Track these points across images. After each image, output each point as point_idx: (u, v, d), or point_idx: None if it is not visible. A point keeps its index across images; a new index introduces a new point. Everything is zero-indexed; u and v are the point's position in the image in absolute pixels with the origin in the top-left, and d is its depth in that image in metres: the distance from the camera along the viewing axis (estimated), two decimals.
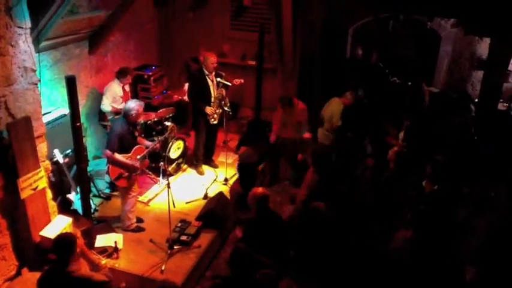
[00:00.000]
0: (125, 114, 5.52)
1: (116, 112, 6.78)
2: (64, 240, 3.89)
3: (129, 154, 5.53)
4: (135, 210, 5.90)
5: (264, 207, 4.88)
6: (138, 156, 5.58)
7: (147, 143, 5.96)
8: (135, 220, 5.88)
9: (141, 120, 6.67)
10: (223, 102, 6.85)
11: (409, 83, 8.53)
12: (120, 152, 5.44)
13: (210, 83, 6.85)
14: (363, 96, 7.84)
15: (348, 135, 7.33)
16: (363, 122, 7.51)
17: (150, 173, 6.96)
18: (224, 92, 6.87)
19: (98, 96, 7.15)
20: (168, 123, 6.91)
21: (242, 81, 7.21)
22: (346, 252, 4.70)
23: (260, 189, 4.95)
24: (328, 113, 7.28)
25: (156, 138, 6.32)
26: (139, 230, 5.85)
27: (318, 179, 5.50)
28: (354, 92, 7.32)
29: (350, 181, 6.11)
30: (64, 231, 4.29)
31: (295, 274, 4.89)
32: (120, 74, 6.92)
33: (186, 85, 8.11)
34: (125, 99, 6.93)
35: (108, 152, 5.41)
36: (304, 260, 4.86)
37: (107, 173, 6.61)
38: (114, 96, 6.85)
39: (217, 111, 6.93)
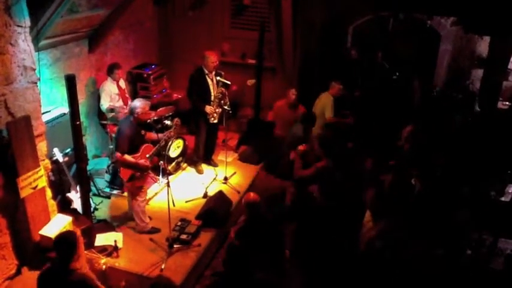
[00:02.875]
0: (131, 113, 5.52)
1: (113, 109, 6.79)
2: (66, 238, 3.88)
3: (138, 154, 5.51)
4: (146, 211, 5.87)
5: (255, 212, 4.87)
6: (147, 155, 5.56)
7: (156, 135, 5.90)
8: (148, 220, 5.84)
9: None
10: (222, 102, 6.84)
11: (398, 78, 8.58)
12: (129, 153, 5.42)
13: (209, 82, 6.85)
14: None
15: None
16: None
17: (150, 171, 6.95)
18: (224, 91, 6.87)
19: (98, 95, 7.14)
20: (168, 122, 6.90)
21: (254, 81, 7.20)
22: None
23: (252, 195, 4.97)
24: (319, 108, 7.33)
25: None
26: (155, 231, 5.79)
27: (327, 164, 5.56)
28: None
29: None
30: (65, 229, 4.29)
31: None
32: (109, 71, 6.94)
33: None
34: (122, 95, 6.94)
35: (118, 154, 5.38)
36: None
37: (107, 171, 6.65)
38: (110, 95, 6.86)
39: (217, 110, 6.93)
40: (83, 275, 3.86)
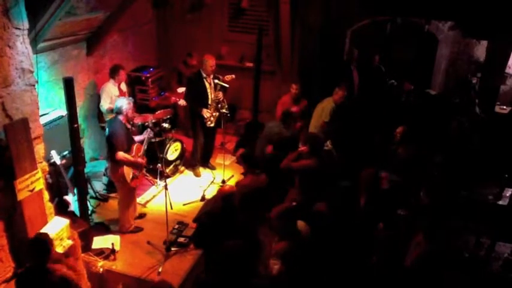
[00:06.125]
0: (119, 114, 5.54)
1: (112, 110, 6.79)
2: (38, 241, 3.99)
3: (132, 154, 5.55)
4: (135, 214, 5.94)
5: (229, 203, 4.96)
6: (139, 154, 5.63)
7: (139, 137, 5.98)
8: (133, 222, 5.88)
9: (139, 121, 6.69)
10: (220, 105, 6.84)
11: (394, 83, 8.58)
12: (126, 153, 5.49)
13: (207, 85, 6.85)
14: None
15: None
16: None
17: (147, 174, 6.95)
18: (221, 95, 6.87)
19: (96, 98, 7.15)
20: (165, 125, 6.91)
21: (233, 76, 7.23)
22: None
23: (227, 187, 5.12)
24: (318, 110, 7.31)
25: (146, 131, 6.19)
26: (138, 230, 5.85)
27: (313, 163, 5.55)
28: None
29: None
30: (43, 233, 4.30)
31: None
32: (112, 72, 6.94)
33: (179, 89, 8.10)
34: None
35: (120, 153, 5.40)
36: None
37: (104, 174, 6.64)
38: (111, 96, 6.84)
39: (214, 114, 6.93)
40: (62, 276, 3.88)
